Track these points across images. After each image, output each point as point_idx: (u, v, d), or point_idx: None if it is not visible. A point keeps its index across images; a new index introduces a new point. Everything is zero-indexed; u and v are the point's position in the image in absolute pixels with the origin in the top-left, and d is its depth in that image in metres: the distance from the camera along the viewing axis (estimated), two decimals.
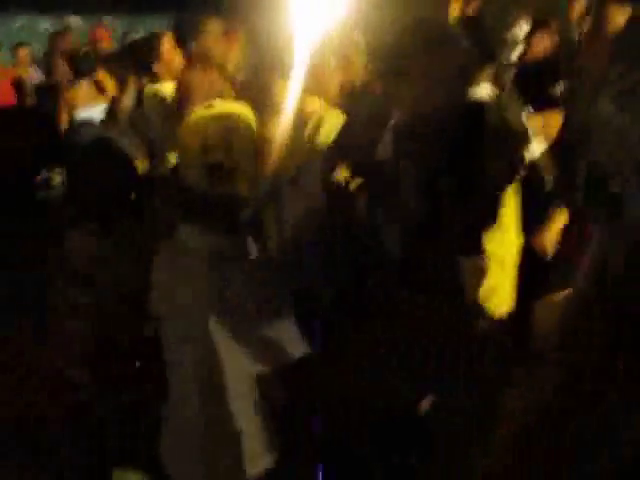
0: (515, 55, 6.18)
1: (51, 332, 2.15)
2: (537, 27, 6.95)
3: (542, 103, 2.71)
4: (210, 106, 1.80)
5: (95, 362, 2.08)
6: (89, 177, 2.20)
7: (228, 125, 1.73)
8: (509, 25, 7.15)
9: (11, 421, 2.28)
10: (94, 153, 2.35)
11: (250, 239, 1.79)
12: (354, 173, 2.21)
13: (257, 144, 1.79)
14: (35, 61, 6.31)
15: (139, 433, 2.07)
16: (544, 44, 5.77)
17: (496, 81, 3.23)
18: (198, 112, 1.79)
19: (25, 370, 2.36)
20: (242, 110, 1.82)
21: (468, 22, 2.47)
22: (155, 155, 3.06)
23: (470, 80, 2.06)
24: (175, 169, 2.39)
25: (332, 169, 2.42)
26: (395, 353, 1.97)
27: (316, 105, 2.62)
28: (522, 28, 7.65)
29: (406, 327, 1.95)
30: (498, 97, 2.42)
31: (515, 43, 7.09)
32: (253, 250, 1.79)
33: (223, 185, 1.71)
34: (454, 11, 3.70)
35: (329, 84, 2.69)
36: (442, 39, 1.88)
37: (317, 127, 2.50)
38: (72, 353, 2.12)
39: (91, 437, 2.15)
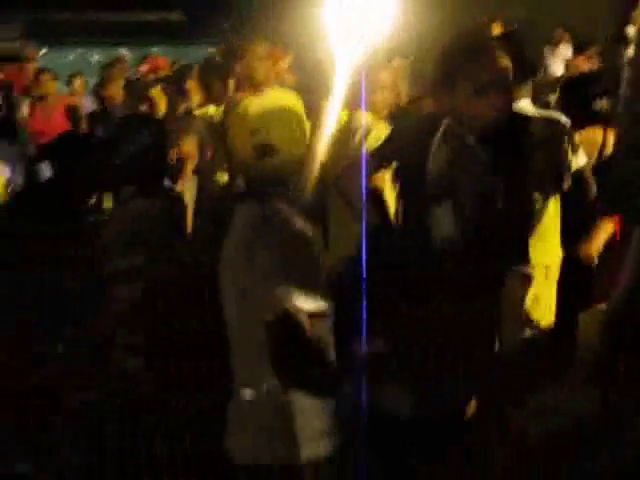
0: (558, 73, 6.21)
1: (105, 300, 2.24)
2: (579, 49, 7.00)
3: (585, 118, 2.73)
4: (258, 93, 1.94)
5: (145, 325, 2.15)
6: (129, 141, 2.32)
7: (271, 109, 1.86)
8: (552, 44, 7.21)
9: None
10: (131, 123, 2.49)
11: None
12: (399, 178, 2.27)
13: (301, 125, 1.90)
14: (87, 91, 6.59)
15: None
16: (586, 66, 5.79)
17: (537, 96, 3.26)
18: (247, 99, 1.93)
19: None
20: (287, 95, 1.95)
21: (508, 39, 2.52)
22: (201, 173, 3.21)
23: (512, 91, 2.11)
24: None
25: (373, 174, 2.50)
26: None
27: (363, 119, 2.72)
28: (565, 49, 7.70)
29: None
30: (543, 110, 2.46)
31: (558, 62, 7.13)
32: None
33: (269, 162, 1.83)
34: (495, 31, 3.77)
35: (375, 99, 2.79)
36: (483, 50, 1.94)
37: (364, 136, 2.59)
38: (123, 317, 2.21)
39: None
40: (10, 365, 2.45)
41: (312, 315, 1.75)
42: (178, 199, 2.48)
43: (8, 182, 2.78)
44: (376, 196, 2.61)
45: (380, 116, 2.92)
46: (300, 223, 1.88)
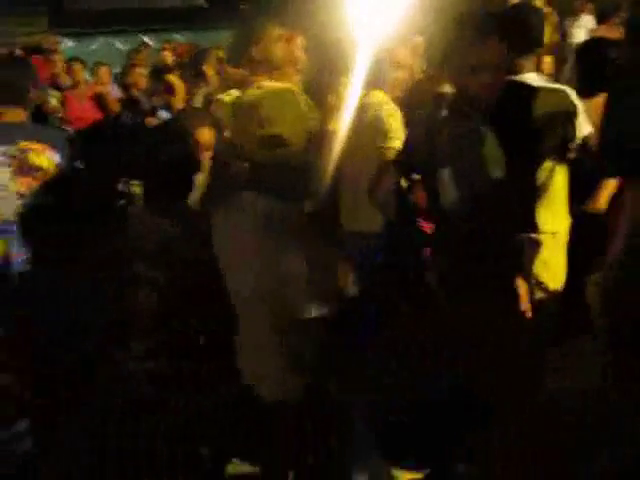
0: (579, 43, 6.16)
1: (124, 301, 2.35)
2: (602, 19, 6.94)
3: (599, 83, 2.75)
4: (260, 87, 2.01)
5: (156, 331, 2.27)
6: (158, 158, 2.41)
7: (277, 100, 1.94)
8: (574, 13, 7.15)
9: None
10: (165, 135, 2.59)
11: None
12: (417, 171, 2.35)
13: (307, 117, 1.98)
14: (112, 79, 6.74)
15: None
16: (608, 35, 5.75)
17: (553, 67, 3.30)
18: (250, 92, 2.00)
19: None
20: (288, 87, 2.02)
21: (514, 12, 2.57)
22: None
23: (511, 67, 2.20)
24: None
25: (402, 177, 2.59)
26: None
27: (377, 97, 2.80)
28: (587, 19, 7.61)
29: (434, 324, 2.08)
30: (549, 82, 2.52)
31: (579, 31, 7.07)
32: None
33: (276, 153, 1.91)
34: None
35: (393, 78, 2.87)
36: (475, 34, 2.04)
37: (377, 115, 2.68)
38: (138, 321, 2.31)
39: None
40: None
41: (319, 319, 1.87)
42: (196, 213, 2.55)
43: (58, 166, 2.89)
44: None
45: (394, 95, 3.00)
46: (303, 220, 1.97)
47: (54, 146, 2.87)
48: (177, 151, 2.44)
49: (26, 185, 2.77)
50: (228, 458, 2.44)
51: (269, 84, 2.10)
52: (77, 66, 6.13)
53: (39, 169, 2.80)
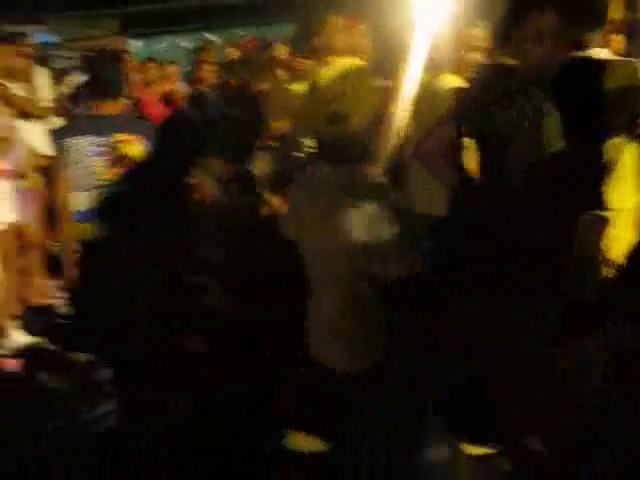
0: None
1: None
2: None
3: None
4: (326, 65, 2.10)
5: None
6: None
7: (342, 80, 2.03)
8: None
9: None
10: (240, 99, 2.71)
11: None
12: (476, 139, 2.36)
13: (369, 95, 2.05)
14: (181, 77, 6.94)
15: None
16: None
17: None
18: (318, 72, 2.10)
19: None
20: (353, 63, 2.11)
21: None
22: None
23: (578, 43, 2.18)
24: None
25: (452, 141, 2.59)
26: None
27: (444, 81, 2.82)
28: None
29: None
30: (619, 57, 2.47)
31: None
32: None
33: (340, 129, 2.00)
34: None
35: (465, 60, 2.88)
36: (531, 6, 2.04)
37: (442, 98, 2.70)
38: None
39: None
40: None
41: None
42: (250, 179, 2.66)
43: (144, 155, 3.06)
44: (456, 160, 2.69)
45: (465, 77, 3.01)
46: (384, 186, 2.04)
47: (144, 137, 3.06)
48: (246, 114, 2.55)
49: (117, 174, 2.97)
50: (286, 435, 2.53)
51: (334, 62, 2.19)
52: (151, 65, 6.41)
53: (128, 159, 2.98)
